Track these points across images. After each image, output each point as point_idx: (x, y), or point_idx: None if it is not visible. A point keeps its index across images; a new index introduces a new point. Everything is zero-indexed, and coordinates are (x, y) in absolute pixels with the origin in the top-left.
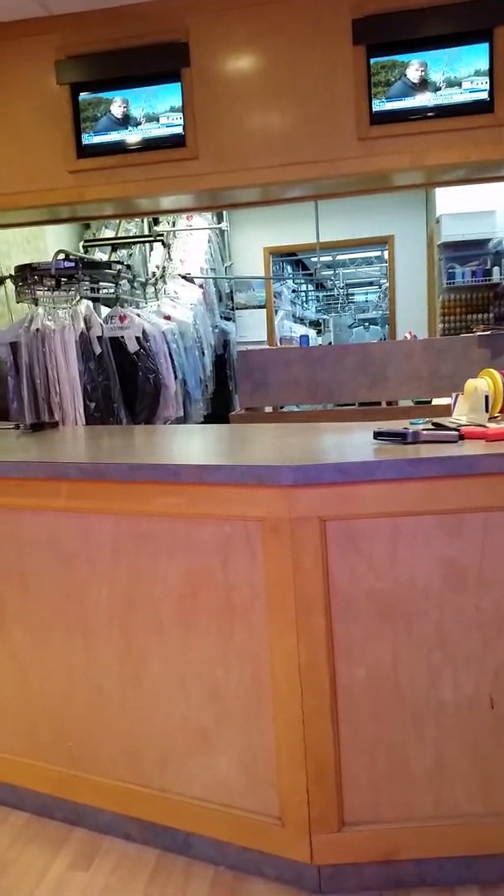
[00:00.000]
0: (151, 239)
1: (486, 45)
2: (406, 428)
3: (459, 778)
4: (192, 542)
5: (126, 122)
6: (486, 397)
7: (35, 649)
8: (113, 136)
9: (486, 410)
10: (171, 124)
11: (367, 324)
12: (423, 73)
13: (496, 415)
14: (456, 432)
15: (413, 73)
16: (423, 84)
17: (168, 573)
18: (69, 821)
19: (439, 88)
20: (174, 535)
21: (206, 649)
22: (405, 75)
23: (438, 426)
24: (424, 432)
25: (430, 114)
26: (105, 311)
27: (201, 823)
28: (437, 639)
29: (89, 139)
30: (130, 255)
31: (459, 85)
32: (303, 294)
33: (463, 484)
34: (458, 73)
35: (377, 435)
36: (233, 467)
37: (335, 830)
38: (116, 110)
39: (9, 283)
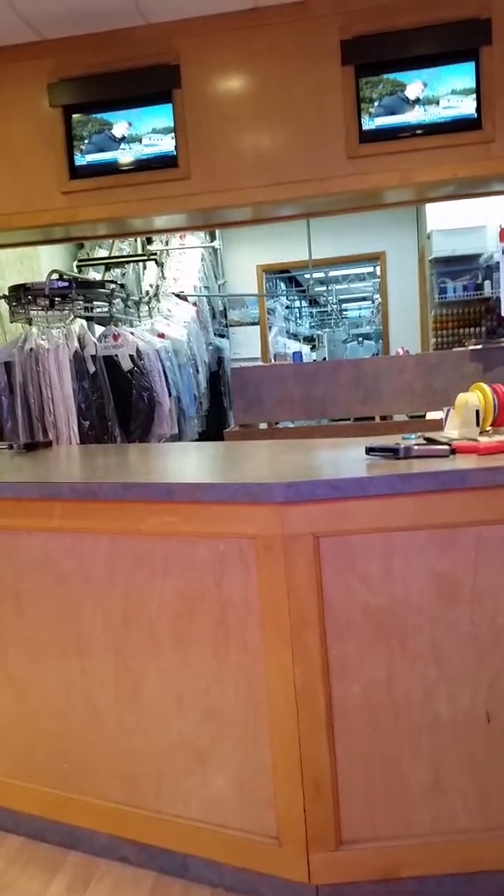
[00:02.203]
0: (145, 258)
1: (472, 64)
2: (398, 443)
3: (457, 793)
4: (187, 560)
5: (118, 143)
6: (477, 411)
7: (30, 670)
8: (105, 157)
9: (477, 424)
10: (162, 145)
11: (360, 339)
12: (410, 92)
13: (487, 428)
14: (447, 447)
15: (401, 92)
16: (411, 102)
17: (163, 592)
18: (65, 844)
19: (427, 106)
20: (169, 553)
21: (201, 668)
22: (393, 94)
23: (430, 441)
24: (416, 447)
25: (418, 131)
26: (99, 329)
27: (198, 844)
28: (432, 654)
29: (82, 160)
30: (124, 274)
31: (447, 103)
32: (296, 310)
33: (455, 498)
34: (445, 91)
35: (369, 450)
36: (226, 485)
37: (333, 849)
38: (108, 132)
39: (2, 303)
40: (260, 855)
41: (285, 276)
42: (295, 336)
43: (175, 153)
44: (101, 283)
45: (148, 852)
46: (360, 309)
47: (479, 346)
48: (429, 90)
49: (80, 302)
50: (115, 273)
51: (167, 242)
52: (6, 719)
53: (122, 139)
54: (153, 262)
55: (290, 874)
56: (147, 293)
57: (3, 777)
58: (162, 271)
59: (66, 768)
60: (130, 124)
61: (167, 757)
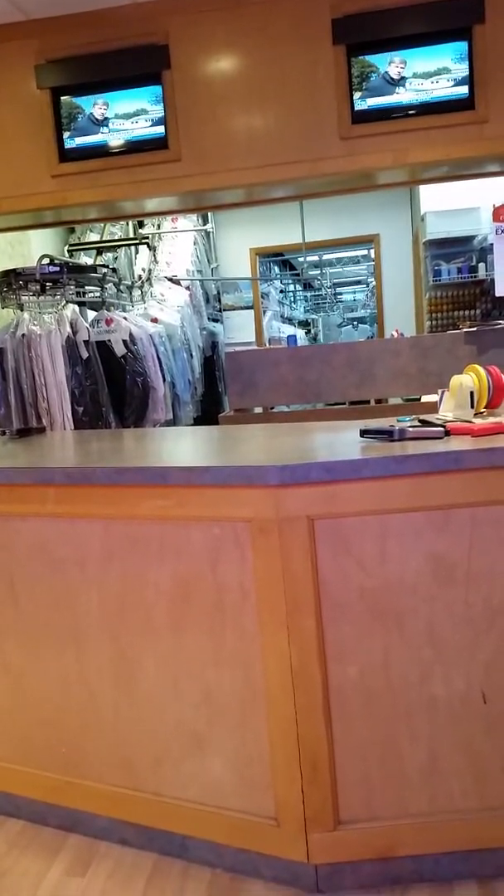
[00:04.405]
0: (137, 242)
1: (465, 43)
2: (392, 425)
3: (453, 773)
4: (182, 544)
5: (107, 125)
6: (471, 393)
7: (27, 656)
8: (95, 140)
9: (472, 406)
10: (152, 126)
11: (355, 322)
12: (403, 71)
13: (481, 410)
14: (442, 428)
15: (393, 72)
16: (404, 82)
17: (159, 576)
18: (64, 827)
19: (420, 86)
20: (164, 538)
21: (198, 652)
22: (385, 74)
23: (425, 423)
24: (411, 429)
25: (411, 112)
26: (91, 314)
27: (197, 826)
28: (428, 635)
29: (71, 143)
30: (116, 258)
31: (440, 83)
32: (290, 294)
33: (449, 479)
34: (438, 70)
35: (364, 433)
36: (220, 468)
37: (331, 829)
38: (97, 114)
39: None
40: (259, 835)
41: (279, 260)
42: (289, 320)
43: (165, 135)
44: (93, 268)
45: (147, 834)
46: (354, 292)
47: (474, 329)
48: (421, 70)
49: (72, 287)
50: (107, 257)
51: (159, 226)
52: (3, 705)
53: (111, 121)
54: (145, 246)
55: (289, 854)
56: (139, 277)
57: (1, 762)
58: (154, 255)
59: (65, 753)
60: (119, 106)
61: (165, 741)
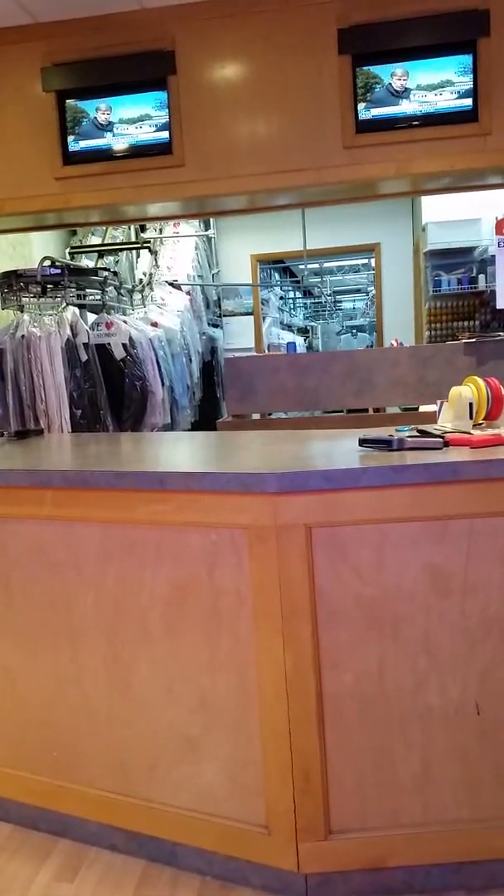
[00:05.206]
0: (138, 246)
1: (469, 57)
2: (391, 435)
3: (447, 784)
4: (179, 549)
5: (112, 129)
6: (470, 404)
7: (21, 659)
8: (99, 144)
9: (471, 417)
10: (157, 132)
11: (354, 331)
12: (406, 83)
13: (480, 422)
14: (440, 439)
15: (398, 83)
16: (408, 94)
17: (155, 581)
18: (54, 832)
19: (424, 98)
20: (161, 542)
21: (192, 657)
22: (390, 84)
23: (423, 433)
24: (409, 439)
25: (415, 122)
26: (91, 317)
27: (188, 833)
28: (424, 644)
29: (75, 146)
30: (117, 261)
31: (444, 94)
32: (290, 301)
33: (447, 490)
34: (442, 82)
35: (362, 442)
36: (218, 475)
37: (322, 839)
38: (102, 118)
39: None
40: (249, 844)
41: (279, 267)
42: (289, 327)
43: (169, 140)
44: (94, 271)
45: (137, 840)
46: (354, 301)
47: (473, 340)
48: (426, 81)
49: (73, 289)
50: (108, 261)
51: (161, 230)
52: None
53: (116, 126)
54: (147, 251)
55: (279, 863)
56: (140, 281)
57: None
58: (155, 259)
59: (57, 757)
60: (124, 111)
61: (158, 746)
